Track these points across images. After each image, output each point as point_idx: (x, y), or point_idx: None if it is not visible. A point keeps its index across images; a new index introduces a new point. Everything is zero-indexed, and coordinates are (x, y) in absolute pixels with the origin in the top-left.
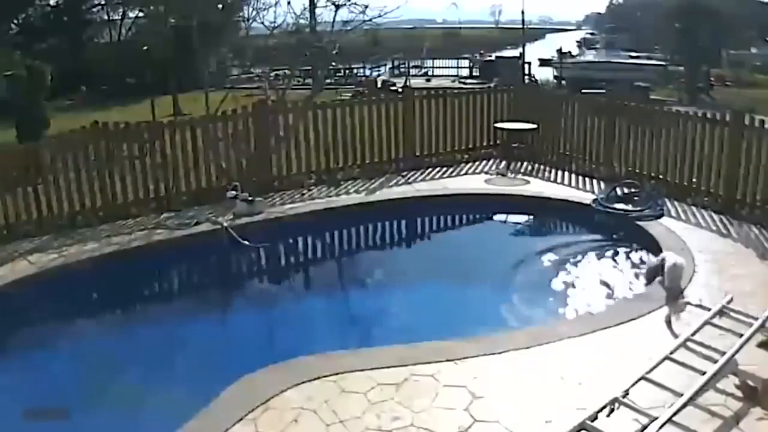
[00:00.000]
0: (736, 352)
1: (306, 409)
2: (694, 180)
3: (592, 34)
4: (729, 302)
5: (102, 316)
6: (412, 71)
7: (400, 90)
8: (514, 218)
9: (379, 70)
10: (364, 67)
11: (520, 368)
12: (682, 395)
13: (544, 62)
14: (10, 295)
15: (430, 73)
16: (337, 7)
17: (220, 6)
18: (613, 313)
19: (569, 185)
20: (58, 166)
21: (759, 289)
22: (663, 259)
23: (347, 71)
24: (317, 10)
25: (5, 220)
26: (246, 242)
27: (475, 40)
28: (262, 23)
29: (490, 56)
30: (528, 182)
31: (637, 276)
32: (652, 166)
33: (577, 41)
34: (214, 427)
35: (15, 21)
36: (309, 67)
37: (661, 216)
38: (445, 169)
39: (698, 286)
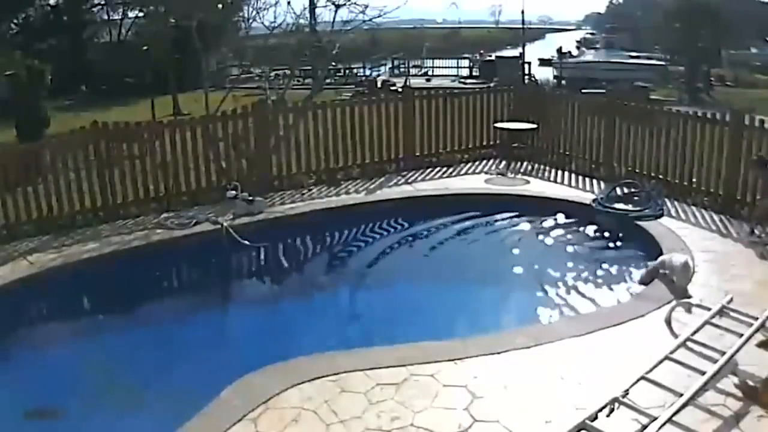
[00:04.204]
0: (736, 352)
1: (306, 409)
2: (694, 180)
3: (592, 34)
4: (729, 302)
5: (102, 316)
6: (412, 71)
7: (400, 90)
8: (514, 218)
9: (379, 70)
10: (364, 67)
11: (520, 368)
12: (682, 395)
13: (544, 62)
14: (10, 295)
15: (430, 73)
16: (337, 7)
17: (220, 6)
18: (613, 313)
19: (569, 185)
20: (58, 166)
21: (759, 289)
22: (671, 258)
23: (347, 71)
24: (317, 10)
25: (5, 220)
26: (246, 242)
27: (475, 40)
28: (262, 23)
29: (490, 56)
30: (528, 182)
31: (636, 276)
32: (652, 166)
33: (577, 41)
34: (214, 427)
35: (15, 21)
36: (309, 67)
37: (661, 216)
38: (445, 169)
39: (698, 286)
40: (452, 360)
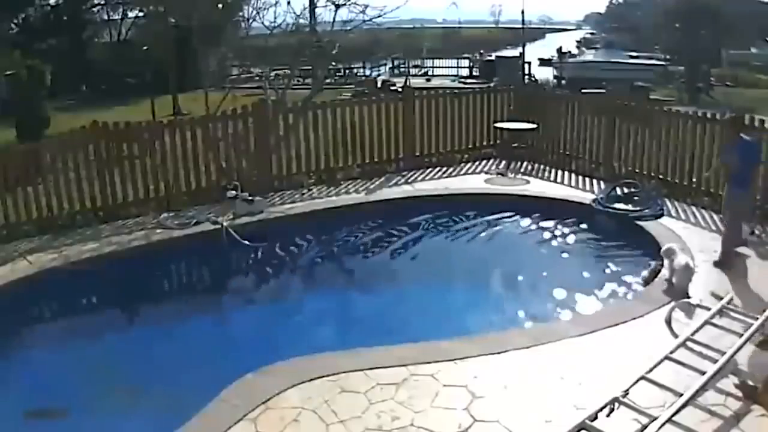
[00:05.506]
0: (736, 352)
1: (306, 409)
2: (694, 180)
3: (592, 34)
4: (729, 302)
5: (101, 316)
6: (412, 71)
7: (400, 90)
8: (513, 218)
9: (379, 70)
10: (364, 67)
11: (520, 368)
12: (682, 395)
13: (544, 62)
14: (10, 295)
15: (430, 73)
16: (337, 7)
17: (220, 6)
18: (613, 313)
19: (569, 185)
20: (58, 166)
21: (759, 289)
22: (671, 253)
23: (347, 71)
24: (317, 10)
25: (5, 220)
26: (246, 242)
27: (475, 40)
28: (262, 23)
29: (490, 56)
30: (528, 182)
31: (636, 276)
32: (652, 166)
33: (577, 41)
34: (214, 427)
35: (15, 21)
36: (309, 67)
37: (661, 216)
38: (445, 169)
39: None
40: (452, 360)
